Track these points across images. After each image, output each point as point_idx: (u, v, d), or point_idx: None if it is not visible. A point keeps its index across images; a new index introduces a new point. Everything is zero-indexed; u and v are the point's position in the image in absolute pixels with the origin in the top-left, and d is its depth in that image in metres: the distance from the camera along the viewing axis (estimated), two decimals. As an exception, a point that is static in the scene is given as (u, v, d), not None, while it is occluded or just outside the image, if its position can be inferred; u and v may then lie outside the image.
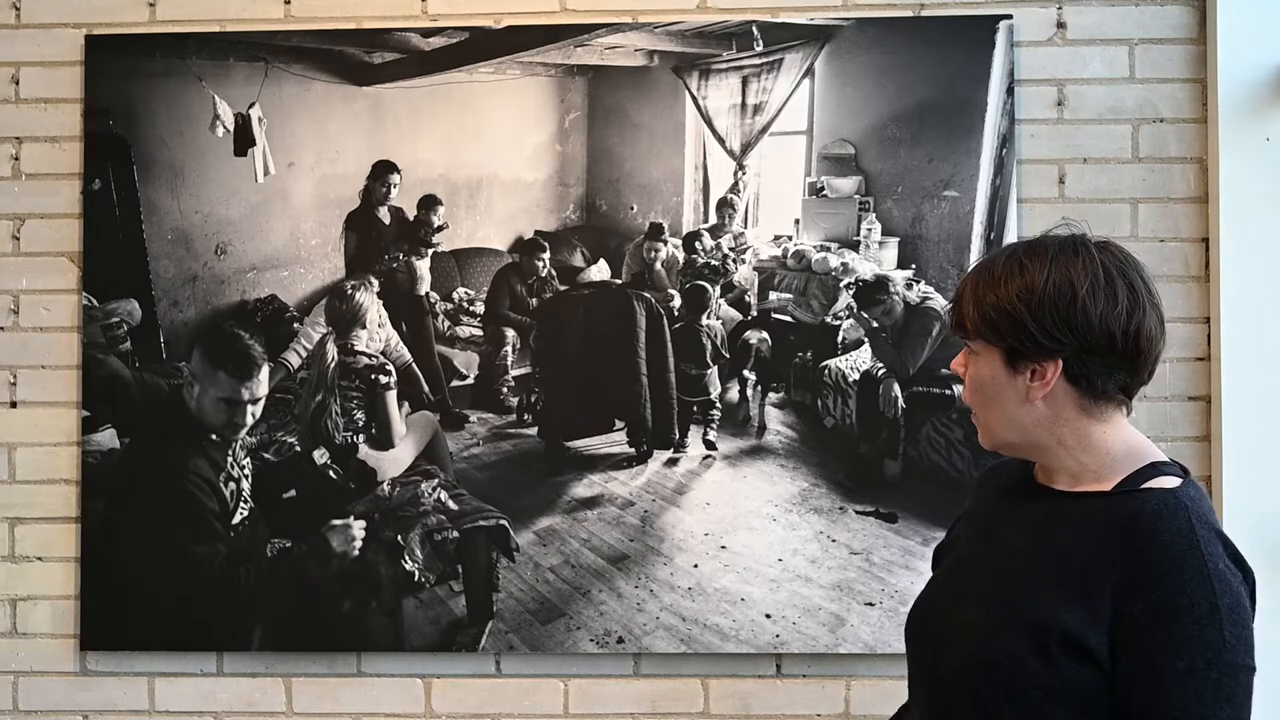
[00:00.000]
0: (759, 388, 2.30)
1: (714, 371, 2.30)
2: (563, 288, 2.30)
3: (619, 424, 2.28)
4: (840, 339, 2.24)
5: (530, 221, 2.29)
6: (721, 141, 2.27)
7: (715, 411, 2.28)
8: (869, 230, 2.23)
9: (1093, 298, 1.26)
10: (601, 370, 2.27)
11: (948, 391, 2.19)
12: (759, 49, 2.23)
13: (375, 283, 2.26)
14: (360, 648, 2.19)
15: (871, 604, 2.13)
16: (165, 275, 2.24)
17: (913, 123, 2.20)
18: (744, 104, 2.26)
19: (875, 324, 2.23)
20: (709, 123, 2.27)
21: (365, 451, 2.23)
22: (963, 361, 1.36)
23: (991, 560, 1.33)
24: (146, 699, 2.22)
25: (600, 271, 2.30)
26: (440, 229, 2.28)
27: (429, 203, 2.27)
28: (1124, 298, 1.26)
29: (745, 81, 2.26)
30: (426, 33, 2.23)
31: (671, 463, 2.25)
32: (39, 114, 2.26)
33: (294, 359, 2.23)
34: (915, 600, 1.44)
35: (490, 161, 2.27)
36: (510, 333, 2.32)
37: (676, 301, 2.28)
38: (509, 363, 2.31)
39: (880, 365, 2.22)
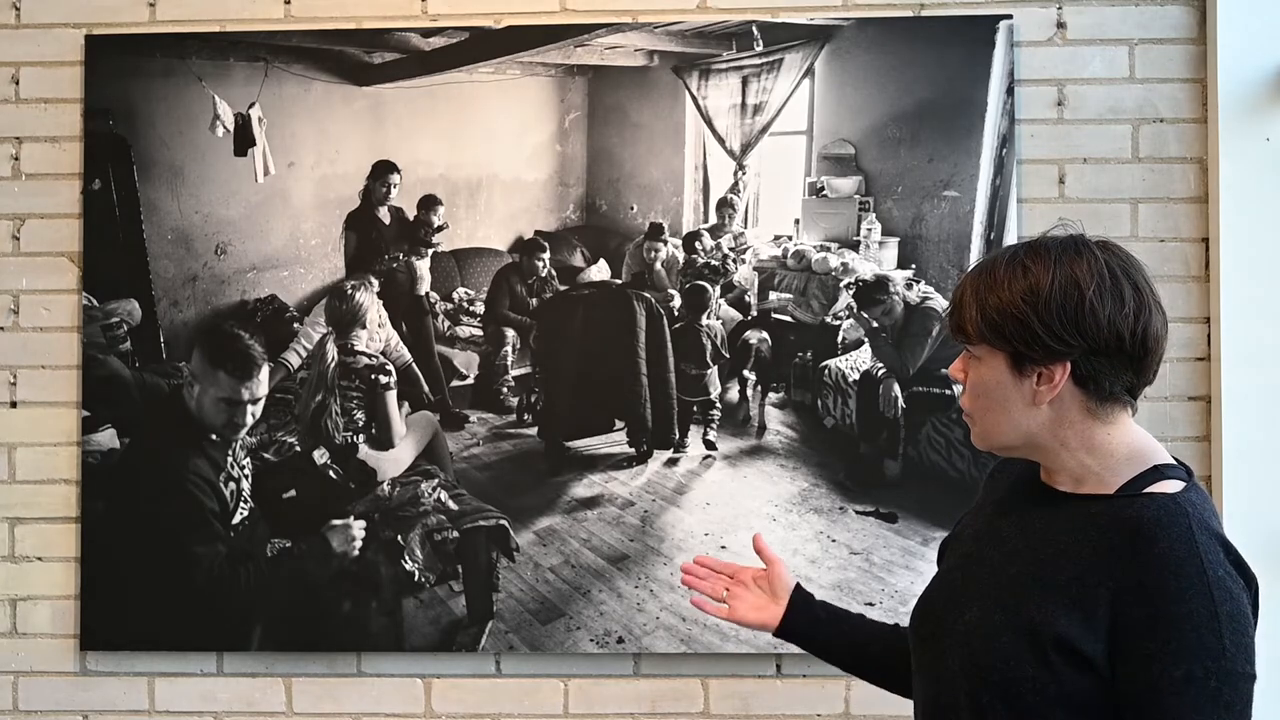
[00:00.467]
0: (759, 388, 2.30)
1: (714, 371, 2.30)
2: (563, 288, 2.30)
3: (619, 424, 2.28)
4: (840, 339, 2.24)
5: (530, 221, 2.29)
6: (721, 141, 2.27)
7: (715, 411, 2.28)
8: (869, 230, 2.23)
9: (1100, 298, 1.24)
10: (601, 370, 2.27)
11: (948, 391, 2.19)
12: (759, 49, 2.23)
13: (375, 283, 2.26)
14: (360, 648, 2.19)
15: (871, 604, 2.13)
16: (165, 275, 2.24)
17: (913, 123, 2.20)
18: (744, 104, 2.26)
19: (875, 324, 2.23)
20: (709, 123, 2.27)
21: (365, 451, 2.23)
22: (962, 366, 1.34)
23: (992, 560, 1.33)
24: (146, 699, 2.22)
25: (600, 271, 2.30)
26: (440, 229, 2.28)
27: (429, 203, 2.27)
28: (1130, 298, 1.25)
29: (745, 81, 2.26)
30: (426, 33, 2.23)
31: (671, 463, 2.25)
32: (39, 114, 2.26)
33: (294, 359, 2.23)
34: (920, 596, 1.44)
35: (490, 161, 2.27)
36: (510, 333, 2.32)
37: (676, 301, 2.28)
38: (509, 363, 2.31)
39: (880, 365, 2.22)
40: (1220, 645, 1.15)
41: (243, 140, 2.23)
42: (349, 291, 2.24)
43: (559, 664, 2.19)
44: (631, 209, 2.28)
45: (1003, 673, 1.22)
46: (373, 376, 2.22)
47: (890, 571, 2.15)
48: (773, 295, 2.29)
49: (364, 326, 2.24)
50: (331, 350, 2.22)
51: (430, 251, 2.28)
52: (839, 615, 1.62)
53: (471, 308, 2.31)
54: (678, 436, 2.26)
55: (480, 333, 2.31)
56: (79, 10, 2.26)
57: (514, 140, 2.27)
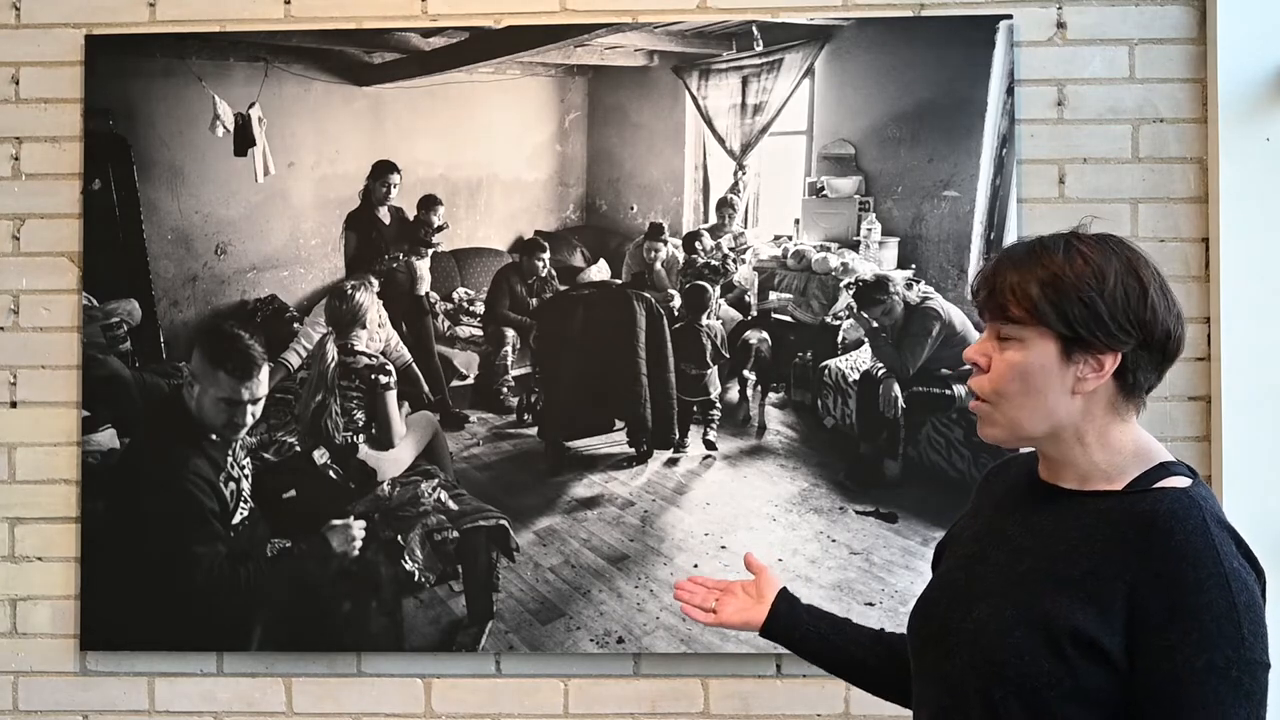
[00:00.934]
0: (759, 388, 2.30)
1: (714, 371, 2.30)
2: (563, 288, 2.30)
3: (619, 424, 2.28)
4: (840, 339, 2.24)
5: (530, 221, 2.29)
6: (721, 141, 2.27)
7: (715, 411, 2.28)
8: (869, 230, 2.23)
9: (1160, 295, 1.29)
10: (601, 370, 2.27)
11: (948, 391, 2.19)
12: (759, 49, 2.23)
13: (375, 283, 2.26)
14: (360, 648, 2.19)
15: (871, 604, 2.13)
16: (165, 275, 2.24)
17: (913, 123, 2.20)
18: (744, 104, 2.26)
19: (875, 324, 2.23)
20: (709, 123, 2.27)
21: (365, 451, 2.23)
22: (985, 351, 1.30)
23: (999, 559, 1.33)
24: (146, 699, 2.22)
25: (600, 271, 2.30)
26: (440, 229, 2.28)
27: (429, 203, 2.27)
28: (1175, 300, 1.32)
29: (745, 81, 2.26)
30: (426, 33, 2.23)
31: (671, 463, 2.25)
32: (39, 114, 2.26)
33: (294, 359, 2.23)
34: (919, 598, 1.44)
35: (490, 161, 2.27)
36: (510, 333, 2.32)
37: (676, 301, 2.28)
38: (509, 363, 2.31)
39: (880, 365, 2.22)
40: (1239, 635, 1.17)
41: (243, 140, 2.23)
42: (349, 291, 2.24)
43: (559, 664, 2.19)
44: (631, 209, 2.28)
45: (1017, 668, 1.22)
46: (373, 376, 2.22)
47: (890, 571, 2.15)
48: (773, 295, 2.29)
49: (364, 326, 2.24)
50: (331, 350, 2.22)
51: (430, 251, 2.28)
52: (823, 616, 1.63)
53: (471, 308, 2.31)
54: (678, 436, 2.26)
55: (480, 333, 2.31)
56: (79, 10, 2.26)
57: (514, 140, 2.27)
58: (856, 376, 2.23)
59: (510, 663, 2.20)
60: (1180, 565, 1.19)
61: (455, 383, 2.30)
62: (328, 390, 2.22)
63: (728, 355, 2.31)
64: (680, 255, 2.28)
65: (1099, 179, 2.18)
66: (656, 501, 2.23)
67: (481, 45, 2.23)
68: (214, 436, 2.17)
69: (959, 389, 2.18)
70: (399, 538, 2.19)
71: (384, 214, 2.27)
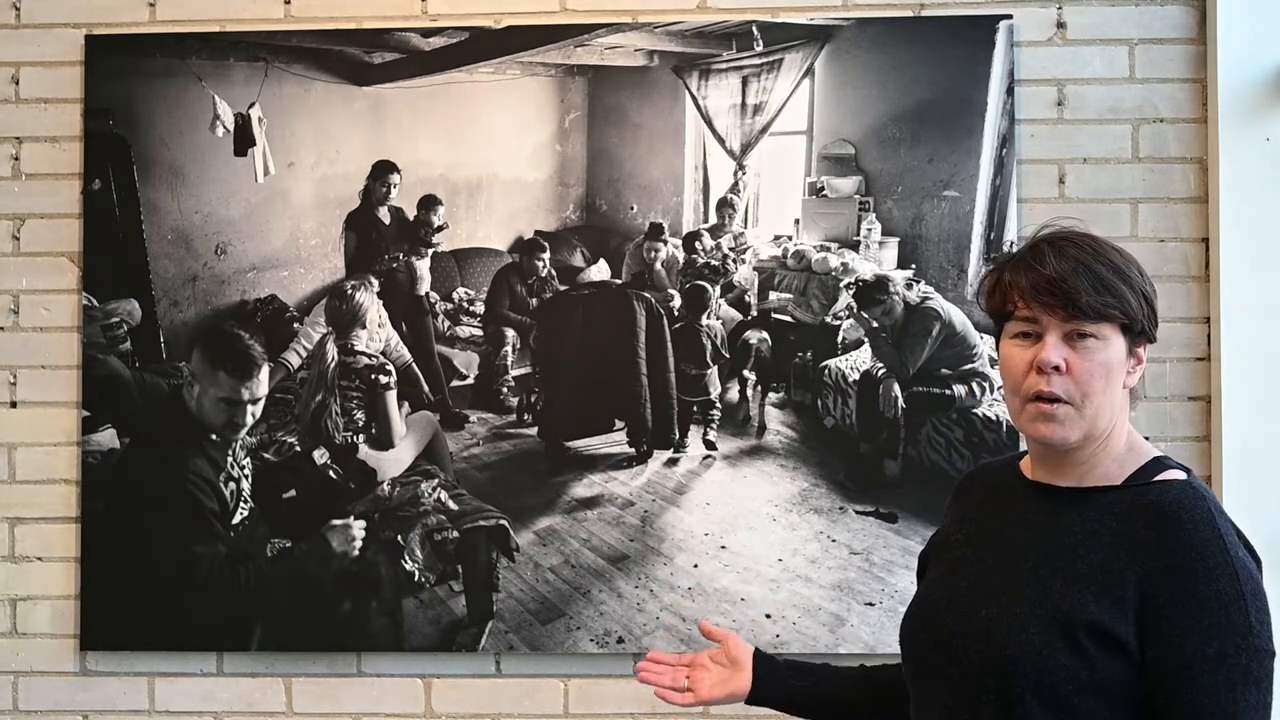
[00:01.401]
0: (759, 388, 2.30)
1: (714, 371, 2.30)
2: (563, 288, 2.30)
3: (619, 424, 2.28)
4: (840, 339, 2.24)
5: (530, 221, 2.29)
6: (721, 141, 2.27)
7: (715, 411, 2.28)
8: (869, 230, 2.23)
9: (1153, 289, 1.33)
10: (601, 370, 2.27)
11: (948, 391, 2.19)
12: (759, 49, 2.23)
13: (375, 283, 2.26)
14: (360, 648, 2.19)
15: (871, 604, 2.13)
16: (165, 275, 2.24)
17: (913, 123, 2.20)
18: (744, 104, 2.26)
19: (875, 324, 2.23)
20: (709, 123, 2.27)
21: (365, 451, 2.23)
22: (1064, 353, 1.28)
23: (1000, 558, 1.33)
24: (146, 699, 2.22)
25: (600, 271, 2.30)
26: (440, 229, 2.28)
27: (429, 203, 2.27)
28: None
29: (745, 81, 2.26)
30: (426, 33, 2.23)
31: (671, 463, 2.25)
32: (39, 114, 2.26)
33: (294, 359, 2.23)
34: (913, 604, 1.44)
35: (490, 161, 2.27)
36: (510, 333, 2.32)
37: (676, 301, 2.28)
38: (509, 363, 2.31)
39: (880, 365, 2.22)
40: (1248, 623, 1.19)
41: (243, 140, 2.23)
42: (349, 291, 2.24)
43: (559, 664, 2.19)
44: (631, 209, 2.28)
45: (1034, 664, 1.22)
46: (373, 376, 2.22)
47: (890, 571, 2.15)
48: (773, 295, 2.29)
49: (364, 326, 2.24)
50: (331, 350, 2.22)
51: (430, 251, 2.28)
52: (806, 669, 1.61)
53: (471, 308, 2.31)
54: (678, 436, 2.26)
55: (480, 333, 2.31)
56: (79, 10, 2.26)
57: (514, 140, 2.27)
58: (856, 376, 2.23)
59: (510, 663, 2.20)
60: (1190, 555, 1.21)
61: (455, 383, 2.30)
62: (328, 390, 2.22)
63: (728, 355, 2.31)
64: (680, 255, 2.28)
65: (1099, 179, 2.18)
66: (656, 501, 2.23)
67: (481, 45, 2.23)
68: (214, 436, 2.17)
69: (959, 389, 2.18)
70: (399, 538, 2.19)
71: (384, 214, 2.27)
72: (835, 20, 2.21)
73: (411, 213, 2.27)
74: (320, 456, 2.22)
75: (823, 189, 2.25)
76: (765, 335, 2.30)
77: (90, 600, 2.19)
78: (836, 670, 1.62)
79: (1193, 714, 1.18)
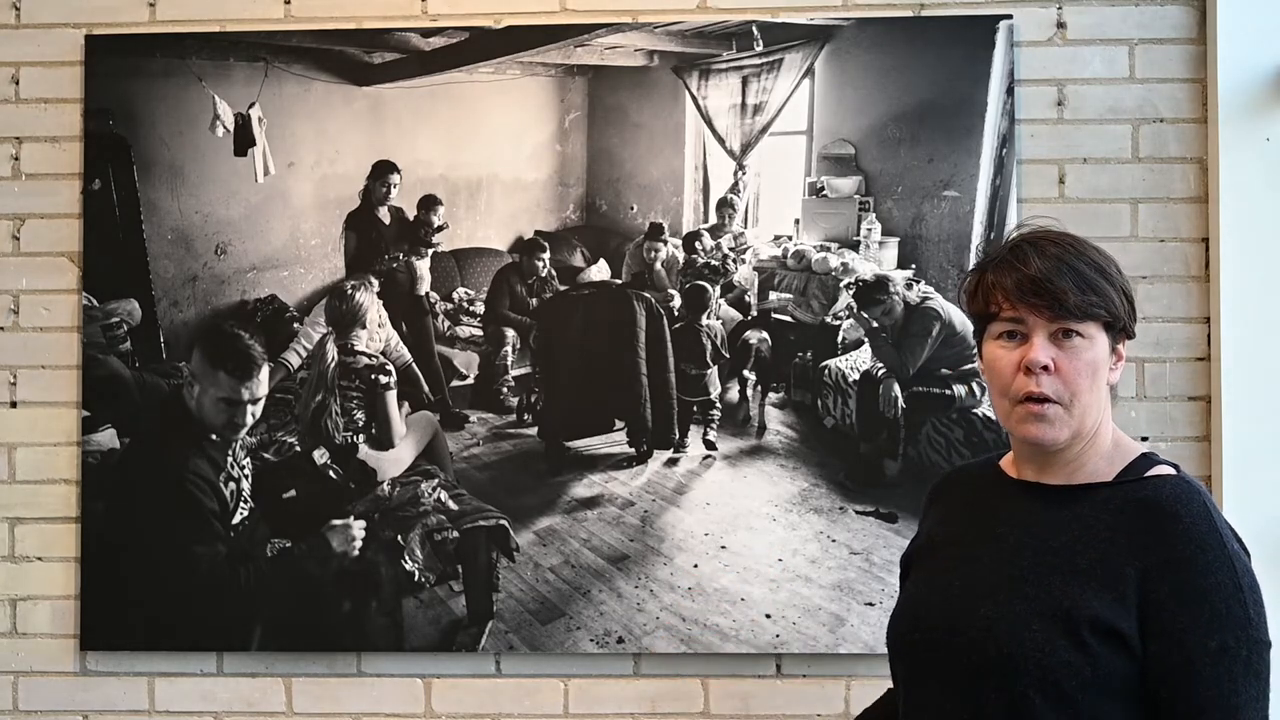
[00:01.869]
0: (759, 388, 2.30)
1: (714, 371, 2.30)
2: (563, 288, 2.30)
3: (619, 424, 2.28)
4: (840, 339, 2.24)
5: (530, 221, 2.29)
6: (721, 141, 2.27)
7: (715, 411, 2.28)
8: (869, 230, 2.23)
9: None
10: (601, 370, 2.27)
11: (948, 391, 2.19)
12: (759, 49, 2.23)
13: (375, 283, 2.26)
14: (360, 648, 2.19)
15: (871, 604, 2.13)
16: (165, 275, 2.24)
17: (913, 123, 2.20)
18: (744, 104, 2.26)
19: (875, 324, 2.23)
20: (709, 123, 2.27)
21: (365, 451, 2.23)
22: (1051, 353, 1.28)
23: (993, 557, 1.33)
24: (146, 699, 2.22)
25: (600, 271, 2.30)
26: (440, 229, 2.28)
27: (429, 203, 2.27)
28: None
29: (745, 81, 2.26)
30: (426, 33, 2.23)
31: (671, 463, 2.25)
32: (39, 114, 2.26)
33: (294, 359, 2.23)
34: (902, 605, 1.44)
35: (490, 161, 2.27)
36: (510, 333, 2.32)
37: (676, 301, 2.28)
38: (509, 363, 2.31)
39: (880, 365, 2.22)
40: (1247, 615, 1.20)
41: (243, 140, 2.23)
42: (349, 291, 2.24)
43: (559, 664, 2.19)
44: (631, 209, 2.28)
45: (1038, 661, 1.23)
46: (373, 376, 2.22)
47: (890, 571, 2.14)
48: (773, 295, 2.29)
49: (364, 326, 2.24)
50: (331, 350, 2.22)
51: (430, 251, 2.28)
52: None
53: (471, 308, 2.31)
54: (678, 436, 2.26)
55: (480, 333, 2.31)
56: (79, 10, 2.26)
57: (514, 140, 2.27)
58: (856, 376, 2.23)
59: (510, 663, 2.20)
60: (1190, 549, 1.22)
61: (455, 383, 2.30)
62: (328, 390, 2.22)
63: (728, 355, 2.31)
64: (680, 255, 2.28)
65: (1099, 179, 2.18)
66: (656, 501, 2.23)
67: (481, 45, 2.23)
68: (214, 436, 2.17)
69: (959, 389, 2.18)
70: (399, 538, 2.19)
71: (384, 214, 2.27)
72: (835, 20, 2.21)
73: (411, 213, 2.27)
74: (320, 456, 2.22)
75: (823, 189, 2.25)
76: (765, 335, 2.30)
77: (90, 600, 2.19)
78: None
79: (1195, 707, 1.19)
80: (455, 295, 2.31)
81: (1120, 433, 1.36)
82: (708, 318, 2.30)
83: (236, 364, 2.16)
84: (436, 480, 2.23)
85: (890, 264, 2.23)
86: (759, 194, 2.28)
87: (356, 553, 2.17)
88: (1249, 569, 1.23)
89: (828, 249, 2.25)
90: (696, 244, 2.27)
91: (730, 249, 2.28)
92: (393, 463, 2.23)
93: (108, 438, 2.21)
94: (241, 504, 2.18)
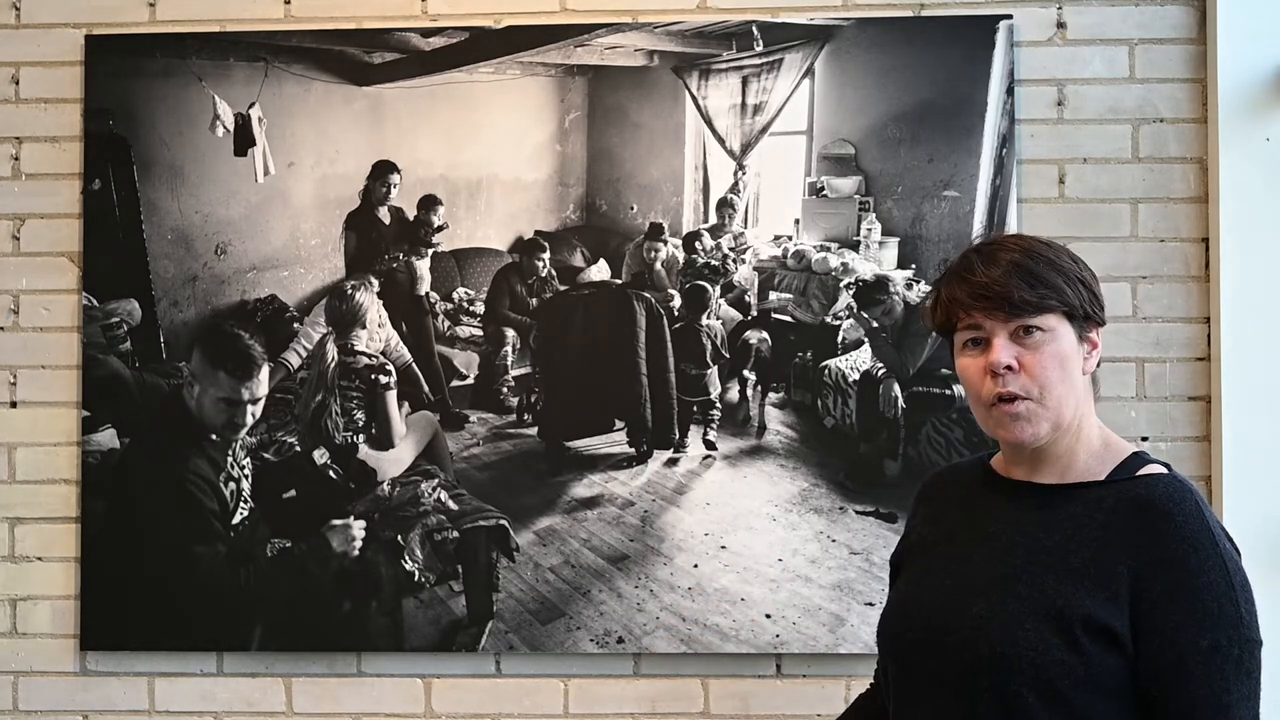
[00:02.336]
0: (759, 388, 2.30)
1: (714, 371, 2.30)
2: (563, 288, 2.30)
3: (619, 424, 2.28)
4: (840, 339, 2.24)
5: (530, 221, 2.29)
6: (721, 141, 2.27)
7: (715, 411, 2.28)
8: (869, 230, 2.23)
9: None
10: (601, 370, 2.27)
11: (948, 391, 2.19)
12: (759, 49, 2.23)
13: (375, 283, 2.26)
14: (360, 648, 2.19)
15: (871, 604, 2.13)
16: (165, 275, 2.24)
17: (913, 123, 2.20)
18: (744, 104, 2.26)
19: (875, 324, 2.23)
20: (709, 123, 2.27)
21: (365, 451, 2.23)
22: (1015, 350, 1.29)
23: (986, 556, 1.33)
24: (146, 699, 2.22)
25: (600, 271, 2.30)
26: (440, 229, 2.28)
27: (429, 203, 2.27)
28: None
29: (745, 81, 2.26)
30: (426, 33, 2.23)
31: (671, 463, 2.25)
32: (39, 114, 2.26)
33: (294, 359, 2.23)
34: (893, 604, 1.44)
35: (490, 161, 2.27)
36: (510, 333, 2.32)
37: (676, 301, 2.28)
38: (509, 363, 2.31)
39: (880, 365, 2.22)
40: (1238, 614, 1.21)
41: (243, 140, 2.23)
42: (349, 291, 2.24)
43: (559, 664, 2.19)
44: (631, 209, 2.28)
45: (1031, 660, 1.23)
46: (373, 376, 2.22)
47: (890, 571, 2.15)
48: (773, 295, 2.29)
49: (364, 326, 2.24)
50: (331, 350, 2.22)
51: (430, 251, 2.28)
52: None
53: (471, 308, 2.31)
54: (678, 436, 2.26)
55: (480, 333, 2.31)
56: (79, 10, 2.26)
57: (514, 140, 2.27)
58: (856, 376, 2.23)
59: (510, 663, 2.20)
60: (1183, 548, 1.22)
61: (455, 383, 2.30)
62: (328, 390, 2.22)
63: (728, 355, 2.31)
64: (680, 255, 2.28)
65: (1099, 179, 2.18)
66: (656, 501, 2.23)
67: (481, 45, 2.23)
68: (214, 436, 2.17)
69: (959, 389, 2.18)
70: (399, 538, 2.19)
71: (384, 214, 2.27)
72: (835, 20, 2.21)
73: (411, 213, 2.27)
74: (320, 456, 2.22)
75: (823, 189, 2.25)
76: (765, 335, 2.30)
77: (90, 600, 2.19)
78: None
79: (1187, 705, 1.20)
80: (455, 295, 2.31)
81: (1109, 432, 1.37)
82: (708, 318, 2.30)
83: (236, 364, 2.16)
84: (436, 480, 2.23)
85: (890, 264, 2.23)
86: (759, 194, 2.28)
87: (356, 553, 2.17)
88: (1240, 568, 1.24)
89: (828, 249, 2.25)
90: (696, 244, 2.27)
91: (730, 249, 2.28)
92: (393, 463, 2.23)
93: (108, 438, 2.21)
94: (241, 504, 2.19)
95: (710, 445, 2.26)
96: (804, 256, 2.26)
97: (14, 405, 2.25)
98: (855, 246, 2.24)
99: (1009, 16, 2.17)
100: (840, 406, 2.24)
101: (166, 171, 2.24)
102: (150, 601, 2.17)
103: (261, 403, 2.18)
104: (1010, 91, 2.17)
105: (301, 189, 2.25)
